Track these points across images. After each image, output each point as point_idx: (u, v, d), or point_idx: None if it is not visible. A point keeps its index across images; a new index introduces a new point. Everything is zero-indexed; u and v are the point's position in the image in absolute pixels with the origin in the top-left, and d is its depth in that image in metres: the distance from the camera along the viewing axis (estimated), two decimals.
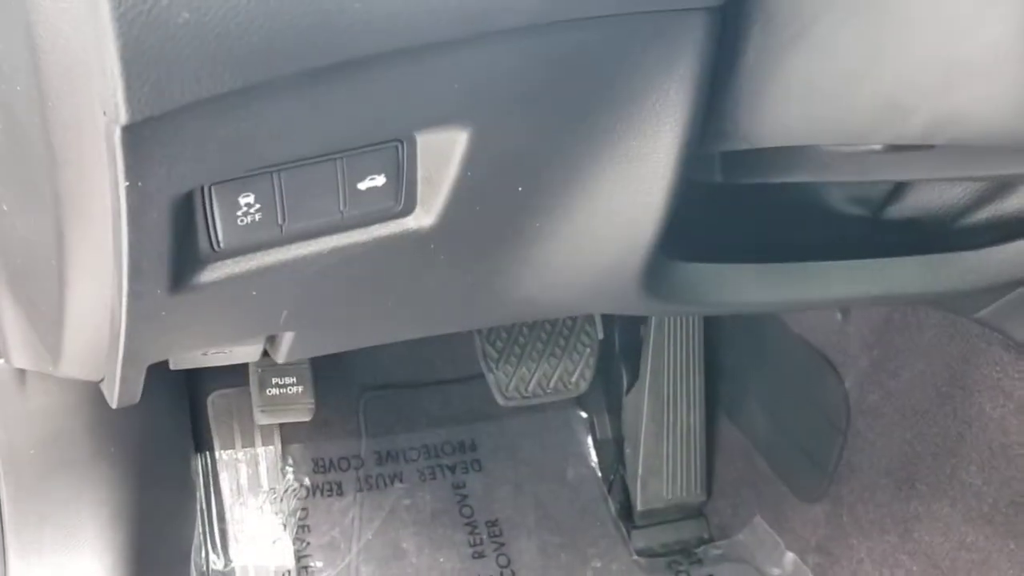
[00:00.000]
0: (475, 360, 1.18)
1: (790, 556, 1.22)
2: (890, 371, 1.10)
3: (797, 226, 0.75)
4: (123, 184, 0.46)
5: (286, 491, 1.22)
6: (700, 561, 1.26)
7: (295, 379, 1.05)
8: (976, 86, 0.47)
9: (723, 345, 1.24)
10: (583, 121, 0.53)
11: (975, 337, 0.95)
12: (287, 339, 0.67)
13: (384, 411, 1.33)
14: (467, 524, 1.27)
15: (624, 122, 0.54)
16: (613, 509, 1.29)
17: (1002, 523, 0.99)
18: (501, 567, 1.23)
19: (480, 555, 1.24)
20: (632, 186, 0.57)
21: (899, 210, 0.75)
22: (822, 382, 1.16)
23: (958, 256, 0.71)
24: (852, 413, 1.14)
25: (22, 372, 0.89)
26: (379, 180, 0.54)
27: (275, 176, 0.52)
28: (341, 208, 0.54)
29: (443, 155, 0.53)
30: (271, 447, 1.23)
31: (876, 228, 0.75)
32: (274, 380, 1.05)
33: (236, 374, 1.13)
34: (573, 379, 1.18)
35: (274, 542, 1.19)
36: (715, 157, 0.64)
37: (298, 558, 1.18)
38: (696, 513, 1.28)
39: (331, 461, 1.27)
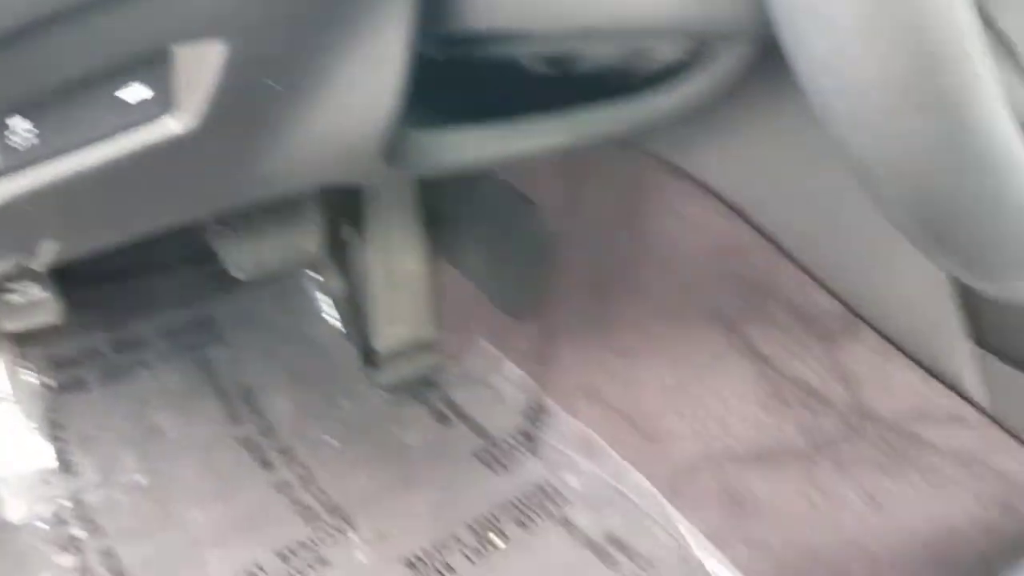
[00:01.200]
0: (205, 239, 1.20)
1: (511, 367, 1.40)
2: (579, 200, 1.27)
3: (507, 88, 0.85)
4: None
5: (30, 394, 1.21)
6: (436, 385, 1.40)
7: (38, 285, 1.02)
8: None
9: (438, 196, 1.35)
10: (327, 24, 0.60)
11: (650, 169, 1.14)
12: (46, 248, 0.69)
13: (118, 300, 1.32)
14: (220, 395, 1.32)
15: (361, 20, 0.61)
16: (357, 357, 1.39)
17: (675, 312, 1.21)
18: (259, 426, 1.30)
19: (237, 419, 1.30)
20: (370, 74, 0.65)
21: (583, 66, 0.87)
22: (526, 217, 1.32)
23: (632, 100, 0.86)
24: (551, 239, 1.31)
25: None
26: (141, 90, 0.57)
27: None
28: (105, 119, 0.57)
29: (202, 64, 0.57)
30: (3, 353, 1.19)
31: (568, 84, 0.87)
32: (11, 286, 1.01)
33: None
34: (304, 245, 1.23)
35: (28, 445, 1.18)
36: (439, 37, 0.72)
37: (58, 457, 1.18)
38: (430, 347, 1.41)
39: (70, 358, 1.26)
